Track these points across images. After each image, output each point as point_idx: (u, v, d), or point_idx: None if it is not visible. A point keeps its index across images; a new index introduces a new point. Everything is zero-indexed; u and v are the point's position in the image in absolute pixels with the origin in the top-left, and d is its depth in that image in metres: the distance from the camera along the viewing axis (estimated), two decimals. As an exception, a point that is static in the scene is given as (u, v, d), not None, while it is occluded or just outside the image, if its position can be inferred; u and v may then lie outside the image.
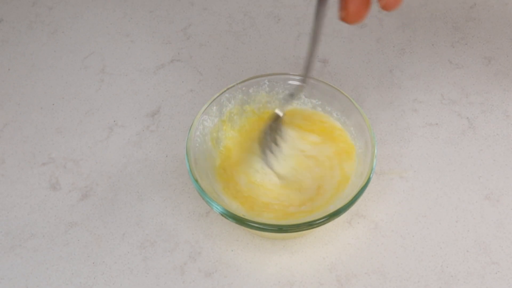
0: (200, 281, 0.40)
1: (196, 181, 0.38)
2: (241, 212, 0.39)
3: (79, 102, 0.52)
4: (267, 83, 0.45)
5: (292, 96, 0.41)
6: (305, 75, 0.38)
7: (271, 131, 0.41)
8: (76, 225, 0.44)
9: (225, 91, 0.44)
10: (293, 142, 0.43)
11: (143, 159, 0.48)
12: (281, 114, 0.41)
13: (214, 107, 0.43)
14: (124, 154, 0.48)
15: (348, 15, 0.29)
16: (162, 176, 0.46)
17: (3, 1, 0.63)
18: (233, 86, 0.44)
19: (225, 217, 0.37)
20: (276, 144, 0.41)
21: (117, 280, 0.40)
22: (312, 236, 0.42)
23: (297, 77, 0.44)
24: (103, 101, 0.52)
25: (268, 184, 0.41)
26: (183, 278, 0.40)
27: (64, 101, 0.53)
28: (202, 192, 0.38)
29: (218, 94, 0.44)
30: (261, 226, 0.36)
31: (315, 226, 0.36)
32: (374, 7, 0.35)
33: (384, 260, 0.41)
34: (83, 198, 0.45)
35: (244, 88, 0.45)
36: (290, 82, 0.45)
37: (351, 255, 0.41)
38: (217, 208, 0.37)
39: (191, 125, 0.42)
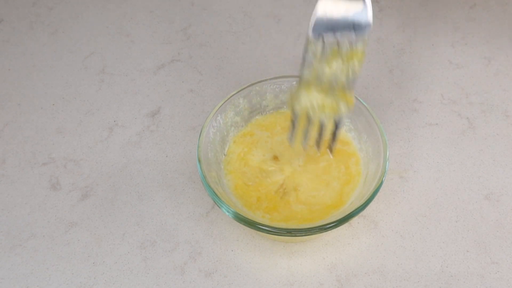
0: (200, 281, 0.40)
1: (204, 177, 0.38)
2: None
3: (79, 102, 0.52)
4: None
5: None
6: None
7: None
8: (76, 225, 0.44)
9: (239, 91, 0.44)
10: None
11: (143, 159, 0.48)
12: None
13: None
14: (124, 154, 0.48)
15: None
16: (162, 176, 0.46)
17: (3, 1, 0.63)
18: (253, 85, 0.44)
19: (232, 218, 0.37)
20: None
21: (117, 280, 0.40)
22: (312, 236, 0.42)
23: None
24: (103, 101, 0.52)
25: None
26: (183, 278, 0.40)
27: (64, 101, 0.53)
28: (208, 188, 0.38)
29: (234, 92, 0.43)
30: (272, 230, 0.36)
31: (326, 230, 0.36)
32: (374, 7, 0.36)
33: (384, 260, 0.41)
34: (83, 198, 0.45)
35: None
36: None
37: (351, 255, 0.41)
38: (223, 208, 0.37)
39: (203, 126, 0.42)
